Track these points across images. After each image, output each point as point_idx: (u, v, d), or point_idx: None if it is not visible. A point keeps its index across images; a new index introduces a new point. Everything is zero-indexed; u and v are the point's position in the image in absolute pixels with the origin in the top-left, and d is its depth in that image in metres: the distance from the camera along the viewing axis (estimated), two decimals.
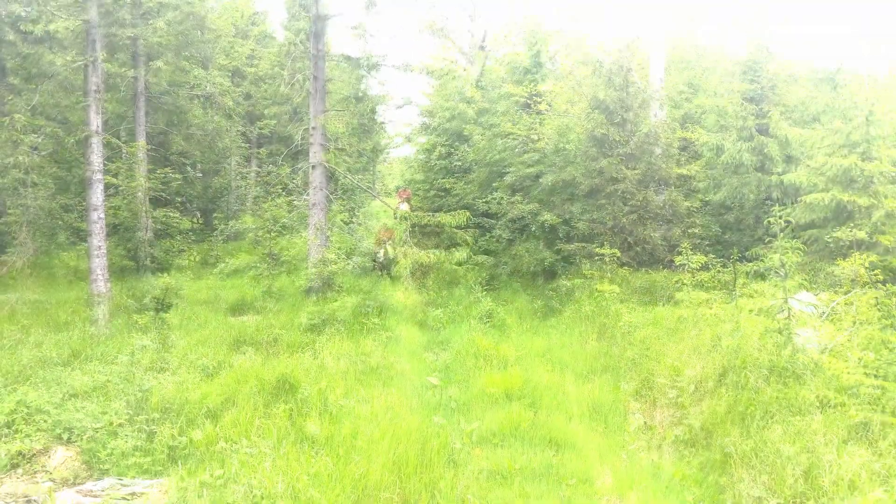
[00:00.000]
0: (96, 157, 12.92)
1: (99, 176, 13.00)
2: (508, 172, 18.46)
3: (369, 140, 16.76)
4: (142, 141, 18.51)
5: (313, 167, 15.67)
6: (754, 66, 17.39)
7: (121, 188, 16.56)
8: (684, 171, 16.97)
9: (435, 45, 27.09)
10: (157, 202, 19.11)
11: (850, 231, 11.86)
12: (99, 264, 12.89)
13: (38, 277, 15.28)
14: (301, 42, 17.79)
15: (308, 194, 16.12)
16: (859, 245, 12.02)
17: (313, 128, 15.59)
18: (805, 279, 11.68)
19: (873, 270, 9.73)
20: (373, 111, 16.67)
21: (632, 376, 9.04)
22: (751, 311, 9.40)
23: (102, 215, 13.08)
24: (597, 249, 14.78)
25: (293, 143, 20.58)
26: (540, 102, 18.99)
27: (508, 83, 20.03)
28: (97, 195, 12.90)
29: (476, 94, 21.02)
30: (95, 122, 12.86)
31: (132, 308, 11.25)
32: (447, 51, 29.68)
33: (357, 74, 17.41)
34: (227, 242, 19.30)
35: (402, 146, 28.43)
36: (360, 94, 17.22)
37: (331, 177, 20.05)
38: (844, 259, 10.87)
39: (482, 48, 28.70)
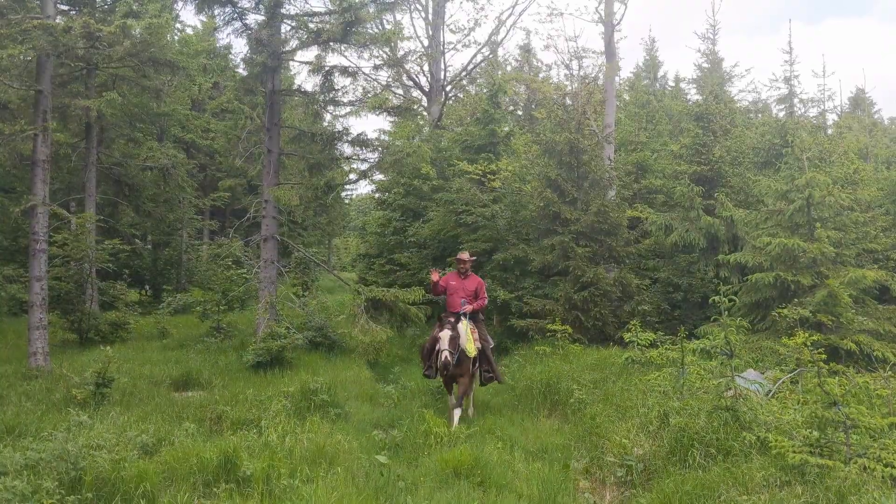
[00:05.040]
0: (41, 227, 12.67)
1: (43, 246, 12.72)
2: (462, 248, 18.60)
3: (322, 176, 16.38)
4: (90, 212, 18.26)
5: (265, 240, 15.57)
6: (706, 113, 18.04)
7: (67, 259, 16.24)
8: (632, 250, 17.30)
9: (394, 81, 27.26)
10: (104, 274, 18.77)
11: (795, 310, 12.12)
12: (39, 336, 12.51)
13: None
14: (258, 116, 17.93)
15: (259, 267, 15.98)
16: (804, 323, 12.27)
17: (266, 200, 15.54)
18: (752, 357, 11.85)
19: (817, 349, 9.89)
20: (329, 146, 16.31)
21: (581, 454, 8.98)
22: (698, 388, 9.45)
23: (45, 287, 12.76)
24: (549, 326, 14.84)
25: (245, 216, 20.45)
26: (493, 180, 19.30)
27: (463, 161, 20.37)
28: (40, 266, 12.60)
29: (431, 170, 21.31)
30: (42, 191, 12.66)
31: (72, 382, 10.89)
32: (408, 90, 30.13)
33: (313, 110, 17.25)
34: (175, 315, 18.93)
35: (359, 182, 28.17)
36: (316, 131, 16.95)
37: (284, 250, 19.89)
38: (790, 338, 11.07)
39: (443, 88, 29.19)
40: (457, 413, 10.16)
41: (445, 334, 10.06)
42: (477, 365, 10.78)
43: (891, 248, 16.92)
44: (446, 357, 9.81)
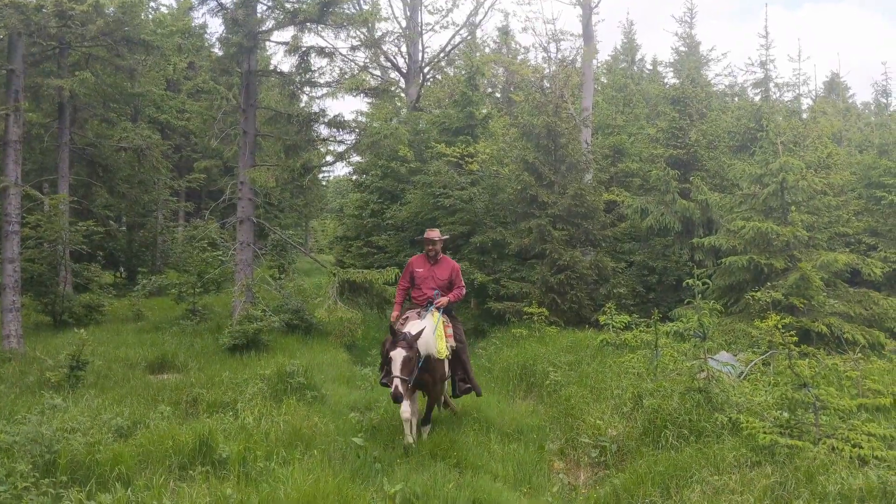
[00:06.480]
0: (14, 208, 12.54)
1: (16, 228, 12.59)
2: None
3: (298, 157, 16.19)
4: (63, 193, 18.04)
5: (241, 222, 15.48)
6: (683, 97, 18.15)
7: (41, 241, 16.05)
8: (608, 233, 17.41)
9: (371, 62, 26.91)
10: (79, 256, 18.58)
11: (768, 293, 12.27)
12: (13, 319, 12.41)
13: None
14: (233, 97, 17.75)
15: (235, 249, 15.89)
16: (776, 306, 12.42)
17: (241, 182, 15.44)
18: (725, 340, 11.99)
19: (789, 332, 10.04)
20: (306, 127, 16.09)
21: (557, 435, 9.07)
22: (671, 370, 9.57)
23: (18, 269, 12.64)
24: (526, 308, 14.92)
25: (221, 197, 20.25)
26: (471, 162, 19.29)
27: (441, 143, 20.32)
28: (13, 248, 12.48)
29: (409, 153, 21.26)
30: (14, 172, 12.52)
31: (46, 365, 10.80)
32: (385, 72, 29.90)
33: (289, 91, 16.99)
34: (150, 298, 18.80)
35: (336, 164, 27.78)
36: (293, 112, 16.41)
37: (261, 232, 19.77)
38: (762, 320, 11.22)
39: (421, 69, 29.02)
40: (425, 430, 8.60)
41: (398, 355, 7.63)
42: (449, 371, 8.71)
43: (862, 231, 17.16)
44: (397, 387, 7.55)
